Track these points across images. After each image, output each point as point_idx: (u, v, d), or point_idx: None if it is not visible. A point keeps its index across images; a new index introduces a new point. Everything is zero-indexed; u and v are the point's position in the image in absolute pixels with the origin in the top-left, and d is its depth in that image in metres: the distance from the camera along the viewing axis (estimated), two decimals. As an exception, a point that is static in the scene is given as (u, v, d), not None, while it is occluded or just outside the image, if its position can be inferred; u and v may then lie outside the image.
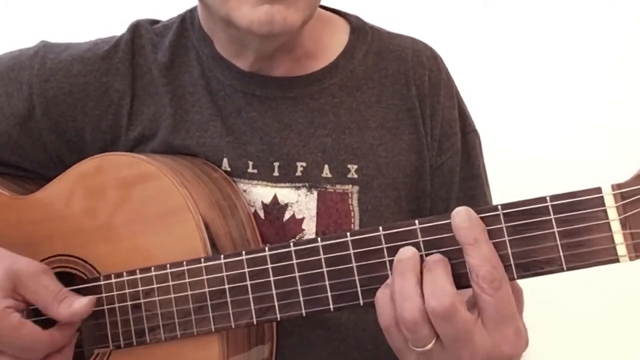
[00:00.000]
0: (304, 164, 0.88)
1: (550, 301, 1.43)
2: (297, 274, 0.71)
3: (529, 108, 1.79)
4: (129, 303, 0.78)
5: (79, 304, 0.74)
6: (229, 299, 0.74)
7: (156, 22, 0.97)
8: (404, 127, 0.91)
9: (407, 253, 0.65)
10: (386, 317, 0.66)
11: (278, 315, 0.72)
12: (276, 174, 0.88)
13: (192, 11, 0.96)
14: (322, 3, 0.88)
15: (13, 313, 0.72)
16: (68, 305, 0.74)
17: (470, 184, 0.95)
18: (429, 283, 0.63)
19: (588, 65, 1.77)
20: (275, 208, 0.87)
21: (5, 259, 0.75)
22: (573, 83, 1.77)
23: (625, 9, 1.75)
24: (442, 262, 0.65)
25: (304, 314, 0.71)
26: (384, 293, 0.66)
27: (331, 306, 0.70)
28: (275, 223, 0.87)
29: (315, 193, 0.88)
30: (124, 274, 0.78)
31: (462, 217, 0.64)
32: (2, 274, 0.73)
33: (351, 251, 0.69)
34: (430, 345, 0.63)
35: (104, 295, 0.79)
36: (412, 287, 0.63)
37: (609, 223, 0.62)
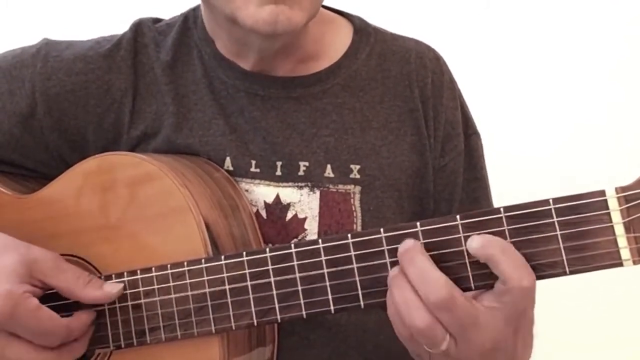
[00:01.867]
0: (306, 163, 0.88)
1: (549, 305, 1.43)
2: (297, 275, 0.71)
3: (530, 109, 1.79)
4: (129, 303, 0.78)
5: (111, 288, 0.77)
6: (229, 300, 0.74)
7: (158, 20, 0.97)
8: (407, 128, 0.91)
9: (393, 271, 0.67)
10: (403, 330, 0.66)
11: (278, 317, 0.72)
12: (279, 173, 0.88)
13: (195, 10, 0.96)
14: (324, 3, 0.88)
15: (31, 297, 0.73)
16: (97, 287, 0.76)
17: (473, 185, 0.95)
18: (418, 280, 0.64)
19: (589, 66, 1.77)
20: (277, 208, 0.87)
21: (20, 247, 0.76)
22: (574, 84, 1.77)
23: (627, 9, 1.74)
24: (417, 250, 0.66)
25: (305, 316, 0.71)
26: (391, 308, 0.67)
27: (332, 308, 0.70)
28: (277, 223, 0.87)
29: (317, 193, 0.87)
30: (125, 274, 0.78)
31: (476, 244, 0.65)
32: (18, 261, 0.74)
33: (352, 253, 0.69)
34: (445, 344, 0.64)
35: None
36: (414, 296, 0.64)
37: (612, 226, 0.62)
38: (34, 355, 0.74)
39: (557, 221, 0.63)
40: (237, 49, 0.89)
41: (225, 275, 0.74)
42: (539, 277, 0.64)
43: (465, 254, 0.65)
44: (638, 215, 0.61)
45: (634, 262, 0.61)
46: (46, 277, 0.75)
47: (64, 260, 0.77)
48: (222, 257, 0.74)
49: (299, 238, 0.87)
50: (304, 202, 0.87)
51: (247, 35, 0.83)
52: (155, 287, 0.77)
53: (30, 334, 0.73)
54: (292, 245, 0.71)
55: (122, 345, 0.79)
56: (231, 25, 0.82)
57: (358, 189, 0.88)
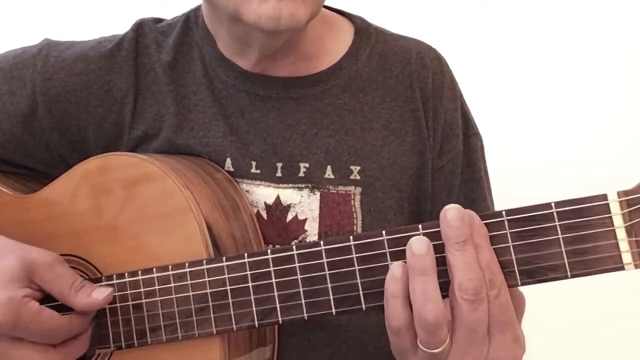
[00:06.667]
0: (306, 164, 0.88)
1: (547, 306, 1.43)
2: (299, 277, 0.71)
3: (527, 109, 1.78)
4: (130, 303, 0.78)
5: (99, 295, 0.76)
6: (230, 301, 0.74)
7: (160, 20, 0.97)
8: (407, 129, 0.91)
9: (423, 248, 0.64)
10: (398, 319, 0.65)
11: (280, 318, 0.72)
12: (279, 174, 0.88)
13: (196, 10, 0.96)
14: (325, 3, 0.88)
15: (31, 302, 0.73)
16: (87, 294, 0.76)
17: (471, 186, 0.95)
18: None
19: (589, 64, 1.76)
20: (278, 209, 0.87)
21: (18, 250, 0.76)
22: (573, 83, 1.77)
23: (626, 5, 1.74)
24: None
25: (306, 317, 0.71)
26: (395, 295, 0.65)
27: (333, 310, 0.70)
28: (277, 224, 0.87)
29: (317, 194, 0.87)
30: (126, 274, 0.78)
31: (452, 215, 0.64)
32: (17, 265, 0.74)
33: (354, 255, 0.69)
34: (443, 347, 0.63)
35: None
36: (436, 289, 0.63)
37: (614, 230, 0.62)
38: (38, 356, 0.74)
39: (559, 225, 0.63)
40: (239, 48, 0.89)
41: (226, 276, 0.74)
42: (541, 281, 0.64)
43: None
44: (639, 219, 0.61)
45: (636, 266, 0.62)
46: (42, 282, 0.75)
47: (62, 263, 0.77)
48: (224, 258, 0.74)
49: (299, 239, 0.87)
50: (304, 204, 0.87)
51: (249, 32, 0.83)
52: (156, 287, 0.77)
53: (34, 336, 0.74)
54: (294, 246, 0.71)
55: (123, 346, 0.79)
56: (233, 22, 0.82)
57: (358, 190, 0.88)
